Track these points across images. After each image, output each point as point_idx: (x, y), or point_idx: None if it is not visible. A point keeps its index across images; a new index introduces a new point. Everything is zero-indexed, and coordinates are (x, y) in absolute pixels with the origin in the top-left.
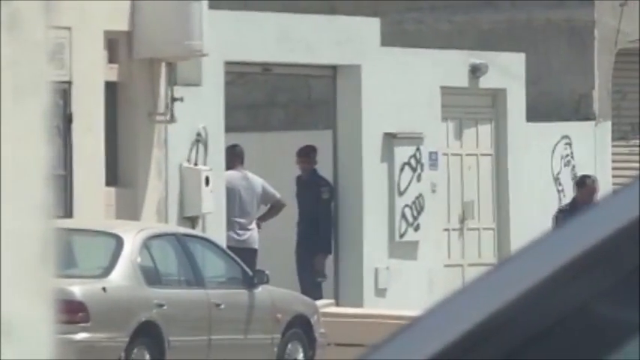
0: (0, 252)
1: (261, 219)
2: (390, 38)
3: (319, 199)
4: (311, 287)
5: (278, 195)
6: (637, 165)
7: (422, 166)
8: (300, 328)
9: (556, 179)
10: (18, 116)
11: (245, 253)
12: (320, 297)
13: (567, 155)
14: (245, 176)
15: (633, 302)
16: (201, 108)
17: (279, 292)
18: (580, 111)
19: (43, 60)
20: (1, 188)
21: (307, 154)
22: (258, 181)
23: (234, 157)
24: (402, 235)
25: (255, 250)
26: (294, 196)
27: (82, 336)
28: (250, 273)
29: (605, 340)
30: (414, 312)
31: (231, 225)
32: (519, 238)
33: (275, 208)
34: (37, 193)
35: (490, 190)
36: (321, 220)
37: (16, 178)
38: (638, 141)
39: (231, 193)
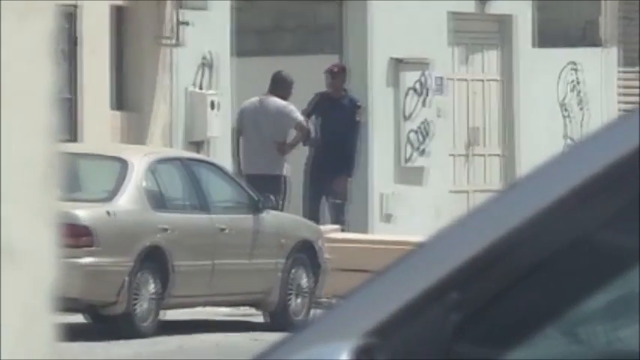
0: (1, 175)
1: (286, 147)
2: None
3: (353, 120)
4: (331, 209)
5: (300, 118)
6: None
7: (428, 91)
8: (305, 253)
9: (562, 105)
10: (22, 37)
11: (261, 180)
12: (343, 220)
13: (574, 81)
14: (260, 100)
15: (637, 229)
16: (208, 32)
17: (284, 217)
18: (587, 37)
19: None
20: (4, 110)
21: (342, 72)
22: (273, 104)
23: (270, 83)
24: (407, 161)
25: (272, 177)
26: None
27: (87, 260)
28: (256, 198)
29: (608, 268)
30: (419, 238)
31: (245, 152)
32: (525, 164)
33: (297, 133)
34: (41, 116)
35: (497, 116)
36: (350, 142)
37: (20, 100)
38: None
39: (239, 118)
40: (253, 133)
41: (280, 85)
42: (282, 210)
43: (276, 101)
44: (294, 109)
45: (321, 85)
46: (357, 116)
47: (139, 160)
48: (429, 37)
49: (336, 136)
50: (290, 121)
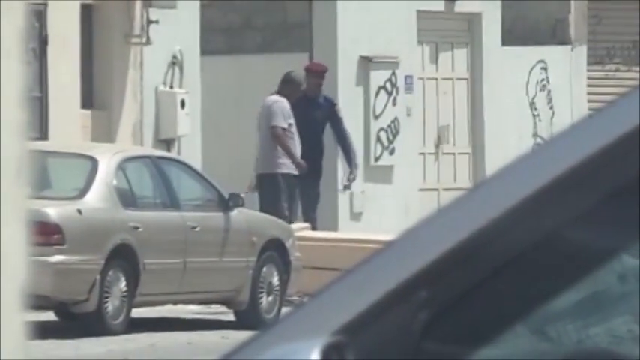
0: None
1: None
2: None
3: (335, 117)
4: (308, 208)
5: (273, 121)
6: (612, 90)
7: (397, 89)
8: (275, 251)
9: (531, 104)
10: None
11: (260, 180)
12: (314, 218)
13: (543, 80)
14: (263, 101)
15: (606, 227)
16: (177, 30)
17: (255, 216)
18: (556, 35)
19: None
20: None
21: (323, 71)
22: (265, 104)
23: (279, 83)
24: (377, 159)
25: (267, 175)
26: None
27: (57, 258)
28: (226, 196)
29: (577, 266)
30: (388, 236)
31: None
32: (494, 162)
33: (274, 138)
34: (11, 114)
35: (466, 114)
36: (345, 139)
37: None
38: (613, 66)
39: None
40: (257, 132)
41: (286, 85)
42: (276, 210)
43: (269, 98)
44: (275, 110)
45: None
46: (338, 113)
47: (108, 158)
48: (398, 36)
49: (316, 136)
50: (268, 121)
